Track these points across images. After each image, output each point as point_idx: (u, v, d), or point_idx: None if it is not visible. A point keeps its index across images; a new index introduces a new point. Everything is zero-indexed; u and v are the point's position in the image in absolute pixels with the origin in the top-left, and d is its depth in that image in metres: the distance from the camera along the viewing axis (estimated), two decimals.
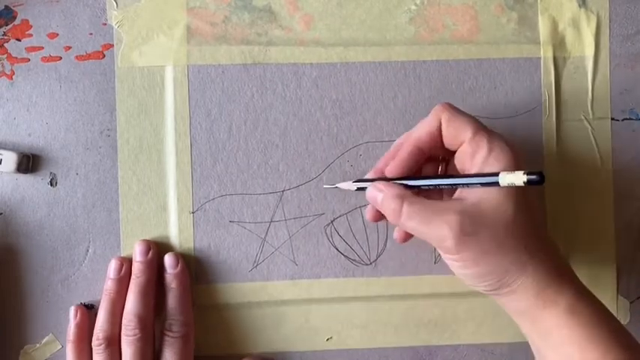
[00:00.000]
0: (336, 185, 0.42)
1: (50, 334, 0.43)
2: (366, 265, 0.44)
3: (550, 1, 0.45)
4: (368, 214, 0.41)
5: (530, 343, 0.39)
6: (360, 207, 0.44)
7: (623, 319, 0.45)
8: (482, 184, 0.35)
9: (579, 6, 0.45)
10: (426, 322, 0.45)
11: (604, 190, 0.45)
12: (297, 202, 0.44)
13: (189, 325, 0.42)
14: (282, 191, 0.44)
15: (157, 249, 0.43)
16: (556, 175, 0.45)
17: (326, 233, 0.44)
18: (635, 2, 0.45)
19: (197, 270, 0.43)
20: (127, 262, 0.42)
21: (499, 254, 0.35)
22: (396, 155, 0.39)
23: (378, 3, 0.45)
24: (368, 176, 0.41)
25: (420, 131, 0.38)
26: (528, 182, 0.32)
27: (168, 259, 0.42)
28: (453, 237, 0.35)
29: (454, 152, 0.38)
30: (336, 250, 0.44)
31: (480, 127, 0.37)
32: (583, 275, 0.45)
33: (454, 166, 0.39)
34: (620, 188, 0.45)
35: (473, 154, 0.36)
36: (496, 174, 0.34)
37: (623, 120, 0.45)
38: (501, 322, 0.45)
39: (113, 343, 0.41)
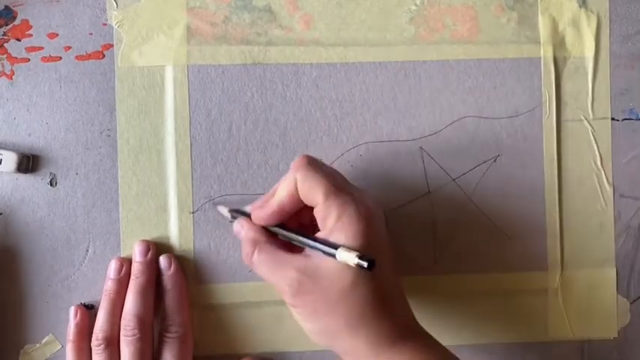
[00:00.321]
0: (217, 207, 0.43)
1: (50, 334, 0.43)
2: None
3: (550, 1, 0.45)
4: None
5: None
6: None
7: (623, 319, 0.45)
8: (324, 252, 0.36)
9: (579, 6, 0.45)
10: (426, 322, 0.45)
11: (604, 191, 0.45)
12: None
13: (186, 325, 0.42)
14: None
15: (157, 249, 0.43)
16: (556, 174, 0.45)
17: None
18: (635, 2, 0.45)
19: (197, 270, 0.43)
20: (126, 263, 0.42)
21: (330, 316, 0.36)
22: (264, 206, 0.39)
23: (378, 3, 0.45)
24: (251, 205, 0.41)
25: (282, 193, 0.38)
26: (358, 265, 0.34)
27: (162, 261, 0.43)
28: (290, 293, 0.36)
29: None
30: None
31: (332, 190, 0.37)
32: (583, 275, 0.45)
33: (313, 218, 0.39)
34: (620, 188, 0.45)
35: (324, 218, 0.37)
36: (335, 246, 0.35)
37: (623, 120, 0.45)
38: (501, 322, 0.45)
39: (112, 343, 0.41)
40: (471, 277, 0.45)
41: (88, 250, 0.43)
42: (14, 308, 0.43)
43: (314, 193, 0.37)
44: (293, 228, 0.39)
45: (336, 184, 0.37)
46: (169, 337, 0.41)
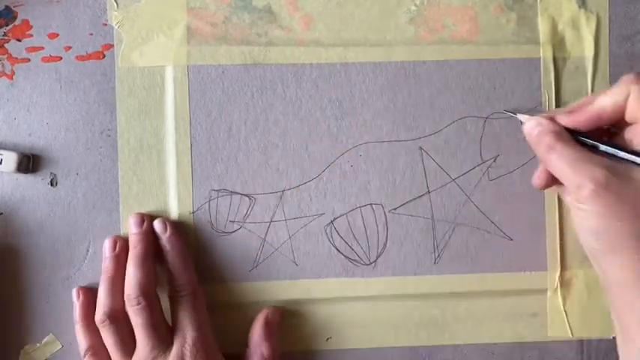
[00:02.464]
0: (517, 115, 0.41)
1: (50, 334, 0.43)
2: (366, 265, 0.44)
3: (549, 2, 0.45)
4: (537, 178, 0.41)
5: (617, 324, 0.37)
6: (360, 207, 0.44)
7: None
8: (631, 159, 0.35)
9: (579, 6, 0.45)
10: (426, 322, 0.45)
11: None
12: (297, 202, 0.44)
13: (194, 282, 0.42)
14: (282, 191, 0.44)
15: (151, 220, 0.43)
16: None
17: (326, 233, 0.44)
18: (634, 2, 0.45)
19: (197, 270, 0.43)
20: (120, 240, 0.42)
21: (628, 221, 0.35)
22: (575, 112, 0.38)
23: (378, 3, 0.45)
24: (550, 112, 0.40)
25: (606, 101, 0.37)
26: None
27: (157, 226, 0.43)
28: (593, 188, 0.35)
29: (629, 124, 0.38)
30: (336, 250, 0.44)
31: None
32: (583, 275, 0.45)
33: (622, 136, 0.38)
34: None
35: None
36: None
37: None
38: (501, 322, 0.45)
39: (117, 318, 0.41)
40: (471, 277, 0.45)
41: (88, 250, 0.43)
42: (14, 308, 0.43)
43: None
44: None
45: None
46: (180, 296, 0.41)
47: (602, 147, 0.38)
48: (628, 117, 0.37)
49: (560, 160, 0.37)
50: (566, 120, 0.38)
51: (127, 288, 0.41)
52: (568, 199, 0.38)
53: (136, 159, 0.44)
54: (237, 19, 0.44)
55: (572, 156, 0.37)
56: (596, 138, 0.38)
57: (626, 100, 0.36)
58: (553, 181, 0.40)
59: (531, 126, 0.39)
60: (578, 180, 0.36)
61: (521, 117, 0.41)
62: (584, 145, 0.38)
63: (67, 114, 0.43)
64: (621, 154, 0.37)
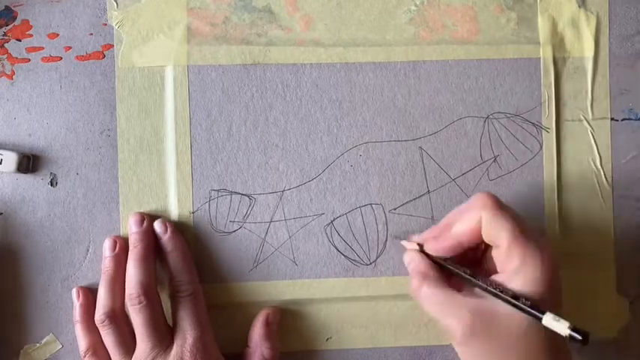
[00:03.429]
0: (401, 242, 0.42)
1: (50, 334, 0.43)
2: (366, 265, 0.44)
3: (549, 2, 0.45)
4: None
5: None
6: (360, 207, 0.44)
7: (623, 318, 0.45)
8: (525, 310, 0.35)
9: (579, 6, 0.45)
10: (426, 322, 0.45)
11: (603, 191, 0.45)
12: (297, 202, 0.44)
13: (195, 282, 0.42)
14: (282, 191, 0.44)
15: (151, 219, 0.43)
16: (555, 175, 0.45)
17: (326, 233, 0.44)
18: (634, 2, 0.45)
19: (197, 270, 0.43)
20: (120, 240, 0.43)
21: (499, 357, 0.36)
22: (439, 238, 0.39)
23: (377, 3, 0.45)
24: (421, 235, 0.41)
25: (462, 228, 0.38)
26: (570, 337, 0.34)
27: (157, 227, 0.43)
28: (462, 333, 0.36)
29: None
30: (336, 250, 0.44)
31: (517, 235, 0.36)
32: (583, 275, 0.45)
33: (491, 256, 0.39)
34: (620, 188, 0.45)
35: (504, 262, 0.37)
36: (540, 310, 0.35)
37: (622, 120, 0.45)
38: None
39: (117, 318, 0.41)
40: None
41: (88, 250, 0.43)
42: (14, 308, 0.43)
43: (499, 235, 0.37)
44: (457, 264, 0.39)
45: (522, 228, 0.37)
46: (181, 296, 0.41)
47: (466, 276, 0.38)
48: (484, 239, 0.38)
49: (427, 302, 0.38)
50: (434, 248, 0.39)
51: (127, 287, 0.41)
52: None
53: (136, 159, 0.44)
54: (237, 19, 0.44)
55: (438, 300, 0.37)
56: (462, 264, 0.39)
57: (479, 223, 0.37)
58: None
59: (406, 260, 0.41)
60: (447, 324, 0.36)
61: (404, 244, 0.42)
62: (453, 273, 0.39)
63: (67, 114, 0.43)
64: (477, 284, 0.37)
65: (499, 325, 0.36)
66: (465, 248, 0.39)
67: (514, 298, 0.35)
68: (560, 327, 0.34)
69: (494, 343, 0.36)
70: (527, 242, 0.36)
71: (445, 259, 0.39)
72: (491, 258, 0.38)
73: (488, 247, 0.39)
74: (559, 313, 0.35)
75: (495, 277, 0.37)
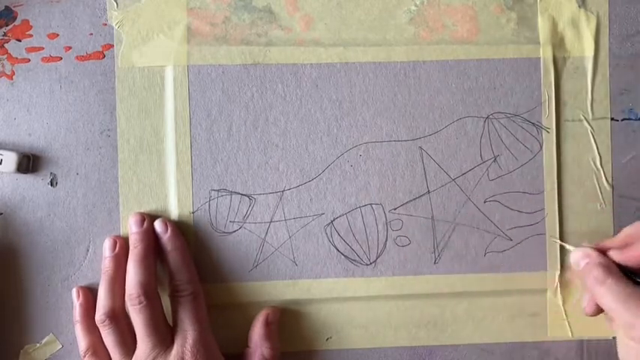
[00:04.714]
0: (566, 246, 0.43)
1: (50, 334, 0.43)
2: (366, 265, 0.44)
3: (549, 2, 0.45)
4: (587, 307, 0.41)
5: None
6: (360, 207, 0.44)
7: None
8: None
9: (579, 6, 0.45)
10: (426, 322, 0.45)
11: (603, 190, 0.45)
12: (297, 202, 0.44)
13: (194, 282, 0.42)
14: (282, 191, 0.44)
15: (151, 219, 0.43)
16: (555, 175, 0.45)
17: (326, 233, 0.44)
18: (634, 2, 0.45)
19: (197, 270, 0.43)
20: (120, 240, 0.43)
21: None
22: (628, 248, 0.39)
23: (377, 3, 0.45)
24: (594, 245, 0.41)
25: None
26: None
27: (158, 226, 0.43)
28: None
29: None
30: (336, 250, 0.44)
31: None
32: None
33: None
34: (620, 188, 0.45)
35: None
36: None
37: (622, 120, 0.45)
38: (501, 322, 0.45)
39: (117, 318, 0.41)
40: (471, 277, 0.45)
41: (88, 250, 0.43)
42: (14, 308, 0.43)
43: None
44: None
45: None
46: (181, 296, 0.41)
47: None
48: None
49: (611, 296, 0.37)
50: (618, 257, 0.39)
51: (128, 287, 0.41)
52: (615, 328, 0.38)
53: (135, 159, 0.44)
54: (237, 19, 0.44)
55: (624, 292, 0.37)
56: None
57: None
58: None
59: (578, 257, 0.40)
60: (630, 319, 0.36)
61: (568, 247, 0.42)
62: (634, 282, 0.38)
63: (67, 114, 0.43)
64: None
65: None
66: None
67: None
68: None
69: None
70: None
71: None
72: None
73: None
74: None
75: None
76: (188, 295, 0.41)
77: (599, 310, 0.40)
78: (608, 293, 0.37)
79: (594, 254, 0.39)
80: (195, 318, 0.41)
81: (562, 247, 0.44)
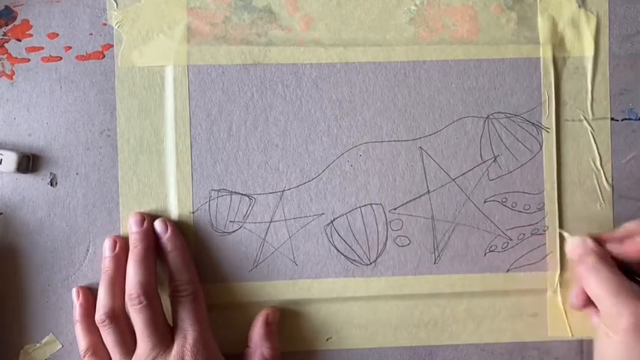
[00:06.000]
0: (565, 234, 0.42)
1: (50, 334, 0.43)
2: (366, 265, 0.44)
3: (549, 2, 0.45)
4: (575, 298, 0.41)
5: None
6: (360, 207, 0.44)
7: None
8: None
9: (579, 6, 0.45)
10: (426, 322, 0.45)
11: (603, 191, 0.45)
12: (297, 202, 0.44)
13: (194, 282, 0.42)
14: (282, 191, 0.44)
15: (151, 219, 0.43)
16: (555, 175, 0.45)
17: (326, 233, 0.44)
18: (634, 2, 0.45)
19: (197, 270, 0.43)
20: (120, 240, 0.43)
21: None
22: (627, 241, 0.39)
23: (377, 3, 0.45)
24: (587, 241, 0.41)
25: None
26: None
27: (158, 226, 0.43)
28: (634, 321, 0.34)
29: None
30: (336, 250, 0.44)
31: None
32: None
33: None
34: (620, 188, 0.45)
35: None
36: None
37: (622, 120, 0.45)
38: (501, 322, 0.45)
39: (117, 318, 0.41)
40: (471, 277, 0.45)
41: (88, 250, 0.43)
42: (14, 308, 0.43)
43: None
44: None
45: None
46: (181, 297, 0.41)
47: None
48: None
49: (601, 284, 0.37)
50: (617, 249, 0.39)
51: (127, 287, 0.41)
52: (596, 322, 0.38)
53: (135, 159, 0.44)
54: (237, 19, 0.44)
55: (614, 281, 0.36)
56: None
57: None
58: (592, 303, 0.40)
59: (575, 243, 0.40)
60: (617, 308, 0.35)
61: (566, 234, 0.42)
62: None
63: (67, 114, 0.43)
64: None
65: None
66: None
67: None
68: None
69: None
70: None
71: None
72: None
73: None
74: None
75: None
76: (188, 296, 0.41)
77: (586, 303, 0.40)
78: (598, 281, 0.37)
79: (591, 243, 0.39)
80: (195, 318, 0.41)
81: (562, 247, 0.44)
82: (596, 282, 0.37)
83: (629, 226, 0.40)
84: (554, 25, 0.45)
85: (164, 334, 0.40)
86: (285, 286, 0.44)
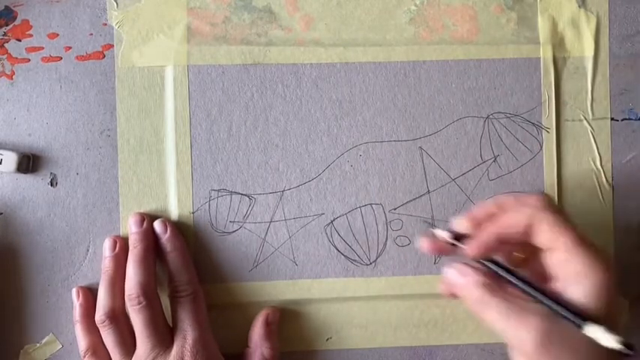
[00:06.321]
0: (433, 231, 0.39)
1: (50, 334, 0.43)
2: (366, 265, 0.44)
3: (549, 2, 0.45)
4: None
5: None
6: (360, 207, 0.44)
7: (623, 319, 0.45)
8: (569, 319, 0.33)
9: (579, 6, 0.45)
10: (426, 322, 0.45)
11: (603, 191, 0.45)
12: (297, 202, 0.44)
13: (194, 283, 0.42)
14: (282, 191, 0.44)
15: (151, 220, 0.43)
16: (555, 175, 0.45)
17: (326, 233, 0.44)
18: (634, 2, 0.45)
19: (197, 270, 0.43)
20: (120, 240, 0.43)
21: None
22: (483, 232, 0.36)
23: (377, 3, 0.45)
24: (462, 223, 0.38)
25: (510, 224, 0.35)
26: (620, 350, 0.31)
27: (157, 227, 0.43)
28: (533, 343, 0.33)
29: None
30: (336, 250, 0.44)
31: (579, 241, 0.34)
32: None
33: (539, 259, 0.36)
34: (620, 188, 0.45)
35: (562, 268, 0.34)
36: (583, 317, 0.33)
37: (622, 120, 0.45)
38: None
39: (117, 318, 0.41)
40: None
41: (88, 250, 0.43)
42: (14, 308, 0.43)
43: (559, 239, 0.34)
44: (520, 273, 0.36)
45: (581, 234, 0.34)
46: (181, 297, 0.41)
47: (511, 280, 0.35)
48: (536, 242, 0.35)
49: (501, 317, 0.34)
50: (475, 248, 0.36)
51: (127, 287, 0.41)
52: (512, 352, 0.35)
53: (135, 159, 0.44)
54: (237, 19, 0.44)
55: (505, 308, 0.34)
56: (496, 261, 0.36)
57: (531, 223, 0.35)
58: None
59: (454, 276, 0.37)
60: (518, 332, 0.33)
61: (440, 233, 0.38)
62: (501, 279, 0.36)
63: (67, 114, 0.43)
64: (533, 293, 0.35)
65: (573, 334, 0.33)
66: (510, 243, 0.36)
67: (577, 316, 0.33)
68: (607, 339, 0.32)
69: (569, 354, 0.33)
70: (587, 248, 0.34)
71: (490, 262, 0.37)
72: (540, 264, 0.36)
73: (532, 254, 0.37)
74: (613, 327, 0.32)
75: (551, 285, 0.35)
76: (188, 296, 0.41)
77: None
78: (496, 316, 0.35)
79: (470, 272, 0.36)
80: (195, 318, 0.41)
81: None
82: (495, 318, 0.35)
83: (499, 199, 0.37)
84: (554, 25, 0.45)
85: (164, 334, 0.40)
86: (285, 286, 0.44)
